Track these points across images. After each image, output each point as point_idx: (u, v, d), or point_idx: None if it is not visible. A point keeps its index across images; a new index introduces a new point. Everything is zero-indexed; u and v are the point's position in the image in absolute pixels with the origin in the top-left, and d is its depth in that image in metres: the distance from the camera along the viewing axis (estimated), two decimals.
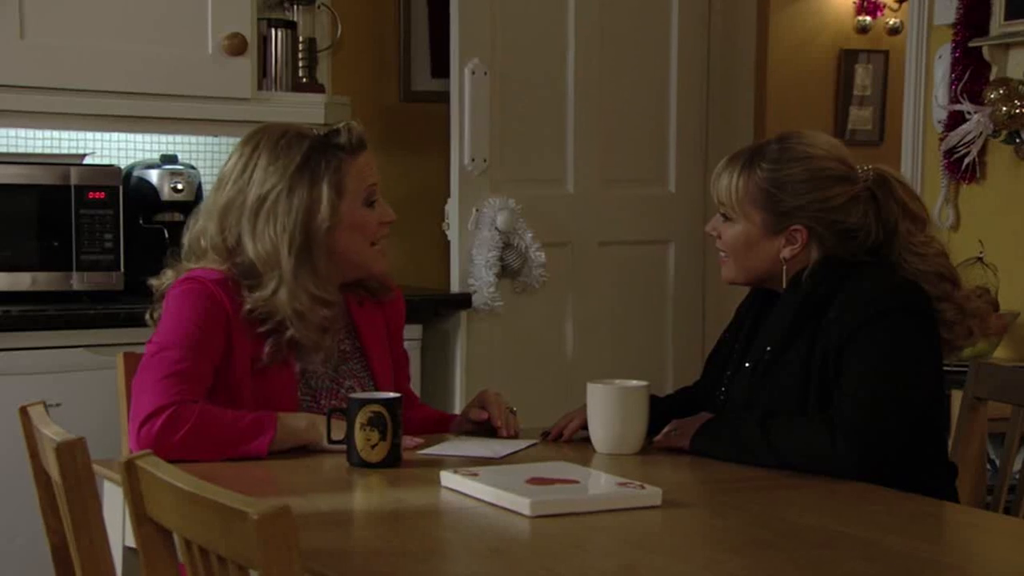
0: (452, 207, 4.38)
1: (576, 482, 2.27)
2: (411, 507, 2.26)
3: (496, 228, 4.33)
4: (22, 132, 4.16)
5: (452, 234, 4.38)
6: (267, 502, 1.56)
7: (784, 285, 2.69)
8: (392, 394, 2.53)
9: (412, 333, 4.14)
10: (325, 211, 2.66)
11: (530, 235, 4.40)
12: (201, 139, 4.42)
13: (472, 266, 4.33)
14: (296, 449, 2.58)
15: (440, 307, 4.34)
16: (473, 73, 4.34)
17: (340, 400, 2.73)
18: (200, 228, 2.74)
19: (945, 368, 2.70)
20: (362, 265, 2.77)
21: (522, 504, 2.12)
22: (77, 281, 3.87)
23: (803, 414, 2.55)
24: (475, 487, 2.24)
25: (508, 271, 4.41)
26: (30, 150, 4.18)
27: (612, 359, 4.61)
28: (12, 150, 4.16)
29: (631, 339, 4.72)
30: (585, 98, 4.63)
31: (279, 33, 4.35)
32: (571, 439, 2.74)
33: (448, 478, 2.31)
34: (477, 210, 4.35)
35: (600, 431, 2.65)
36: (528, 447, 2.70)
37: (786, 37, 7.55)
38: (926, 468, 2.59)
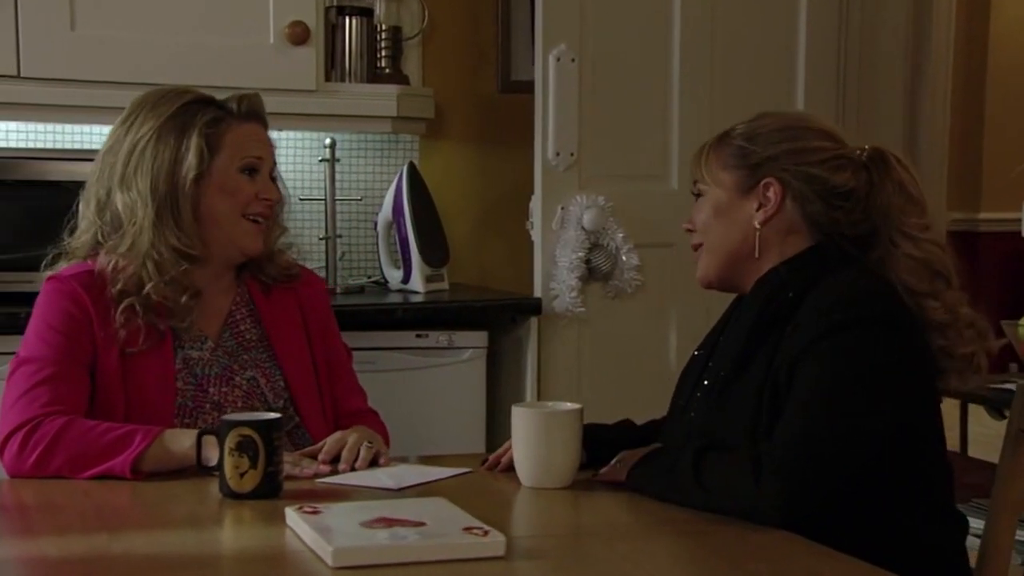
0: (535, 205, 4.03)
1: (422, 524, 1.94)
2: (236, 551, 1.98)
3: (583, 228, 3.97)
4: (87, 128, 4.03)
5: (535, 234, 4.03)
6: None
7: (756, 255, 2.31)
8: (269, 415, 2.24)
9: (476, 340, 3.84)
10: (192, 159, 2.48)
11: (621, 235, 4.02)
12: None
13: (555, 268, 3.98)
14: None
15: (512, 312, 4.00)
16: (559, 60, 3.99)
17: (231, 388, 2.51)
18: (84, 192, 2.61)
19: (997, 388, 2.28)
20: (231, 239, 2.56)
21: (326, 552, 1.82)
22: None
23: (755, 445, 2.16)
24: (302, 527, 1.94)
25: (597, 274, 4.04)
26: (95, 146, 4.04)
27: None
28: (78, 146, 4.04)
29: None
30: (692, 86, 4.19)
31: (351, 21, 4.10)
32: (507, 468, 2.40)
33: (290, 515, 2.02)
34: (562, 208, 4.00)
35: (524, 462, 2.30)
36: (454, 476, 2.39)
37: (1012, 7, 6.93)
38: (911, 517, 2.17)
